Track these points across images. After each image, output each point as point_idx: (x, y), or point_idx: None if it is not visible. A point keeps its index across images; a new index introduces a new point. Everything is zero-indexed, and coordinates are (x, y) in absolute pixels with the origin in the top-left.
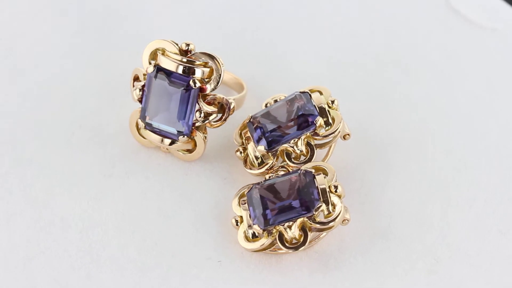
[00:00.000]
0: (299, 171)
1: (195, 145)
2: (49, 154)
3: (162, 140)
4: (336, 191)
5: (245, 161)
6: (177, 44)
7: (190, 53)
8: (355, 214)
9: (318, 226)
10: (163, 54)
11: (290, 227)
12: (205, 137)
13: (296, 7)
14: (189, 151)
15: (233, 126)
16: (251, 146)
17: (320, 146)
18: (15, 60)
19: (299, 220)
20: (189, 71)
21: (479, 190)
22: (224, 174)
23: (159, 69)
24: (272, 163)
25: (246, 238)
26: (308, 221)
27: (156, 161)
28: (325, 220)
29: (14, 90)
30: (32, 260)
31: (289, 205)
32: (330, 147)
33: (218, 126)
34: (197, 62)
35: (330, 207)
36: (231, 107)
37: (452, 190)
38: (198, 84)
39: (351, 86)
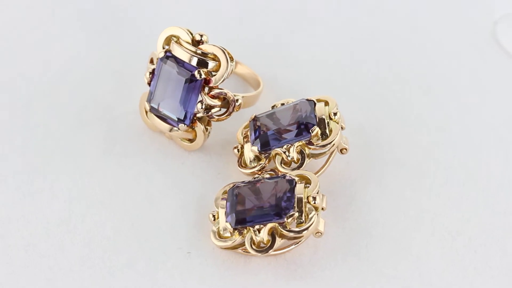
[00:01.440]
0: (282, 177)
1: (196, 135)
2: (56, 126)
3: (163, 126)
4: (314, 203)
5: (239, 159)
6: (191, 34)
7: (202, 43)
8: (335, 229)
9: (289, 234)
10: (176, 41)
11: (259, 230)
12: (206, 129)
13: (331, 15)
14: (190, 140)
15: (242, 122)
16: (247, 146)
17: (316, 156)
18: (38, 39)
19: (270, 225)
20: (197, 62)
21: (468, 228)
22: (219, 169)
23: (169, 55)
24: (264, 164)
25: (219, 234)
26: (280, 227)
27: (156, 146)
28: (296, 229)
29: (37, 64)
30: (11, 221)
31: (263, 208)
32: (328, 159)
33: (221, 120)
34: (208, 54)
35: (304, 217)
36: (237, 103)
37: (438, 222)
38: (203, 76)
39: (367, 99)
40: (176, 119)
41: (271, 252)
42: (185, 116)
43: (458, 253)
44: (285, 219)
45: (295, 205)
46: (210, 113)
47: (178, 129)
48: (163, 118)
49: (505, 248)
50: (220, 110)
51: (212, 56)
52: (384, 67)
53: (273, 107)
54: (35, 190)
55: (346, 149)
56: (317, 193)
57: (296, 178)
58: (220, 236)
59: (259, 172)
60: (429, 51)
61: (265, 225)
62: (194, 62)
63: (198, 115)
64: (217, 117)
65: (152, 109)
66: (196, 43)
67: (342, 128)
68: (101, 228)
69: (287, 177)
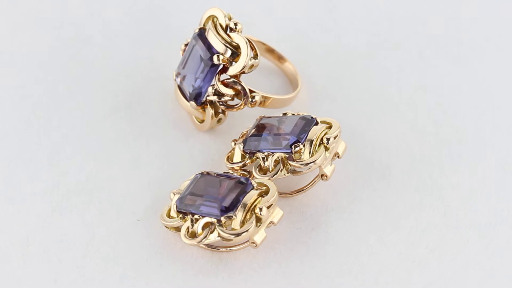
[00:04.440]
0: (244, 179)
1: (205, 117)
2: (84, 109)
3: (181, 99)
4: (260, 214)
5: (229, 153)
6: (229, 19)
7: (233, 31)
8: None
9: (222, 233)
10: (213, 23)
11: (196, 220)
12: (216, 114)
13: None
14: (202, 121)
15: None
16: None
17: (294, 172)
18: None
19: (206, 219)
20: (220, 48)
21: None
22: (215, 156)
23: (202, 34)
24: (246, 163)
25: (168, 212)
26: (217, 224)
27: (172, 116)
28: (228, 232)
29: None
30: (14, 198)
31: (209, 201)
32: (312, 181)
33: (232, 111)
34: (233, 44)
35: (240, 223)
36: (253, 100)
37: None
38: (221, 62)
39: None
40: (189, 96)
41: (201, 244)
42: (198, 96)
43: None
44: (222, 219)
45: (238, 209)
46: (221, 100)
47: (189, 103)
48: (183, 93)
49: None
50: (233, 100)
51: (237, 46)
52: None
53: (284, 114)
54: (45, 166)
55: (326, 176)
56: (270, 206)
57: (255, 185)
58: (168, 215)
59: (238, 169)
60: None
61: (203, 217)
62: (217, 46)
63: (208, 98)
64: (227, 106)
65: (177, 80)
66: (229, 29)
67: (338, 156)
68: (87, 206)
69: (248, 182)
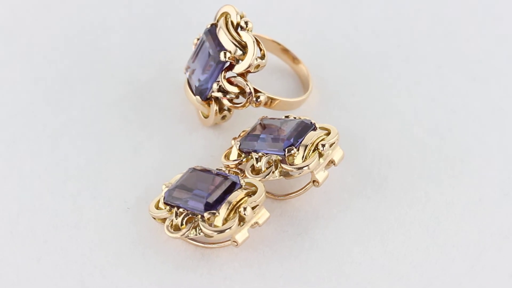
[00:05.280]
0: (233, 177)
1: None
2: (94, 94)
3: (188, 93)
4: (244, 213)
5: (227, 151)
6: (242, 17)
7: (243, 30)
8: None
9: (203, 229)
10: (225, 19)
11: (179, 214)
12: (220, 110)
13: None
14: (206, 116)
15: None
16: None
17: (286, 175)
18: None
19: (190, 213)
20: (227, 45)
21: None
22: (216, 153)
23: (213, 30)
24: (241, 162)
25: (157, 203)
26: (200, 220)
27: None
28: (210, 228)
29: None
30: (12, 174)
31: (196, 196)
32: (305, 186)
33: (236, 109)
34: (241, 42)
35: (223, 221)
36: (257, 99)
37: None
38: (227, 59)
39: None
40: (195, 90)
41: (183, 236)
42: (203, 91)
43: None
44: (205, 214)
45: (222, 206)
46: (226, 97)
47: (194, 98)
48: (191, 87)
49: None
50: (238, 98)
51: (245, 45)
52: None
53: (286, 117)
54: (47, 150)
55: (318, 182)
56: (255, 206)
57: (243, 184)
58: (157, 206)
59: (233, 167)
60: None
61: (187, 212)
62: (226, 43)
63: (213, 94)
64: (231, 104)
65: (186, 74)
66: (239, 27)
67: (334, 164)
68: (81, 188)
69: (237, 180)
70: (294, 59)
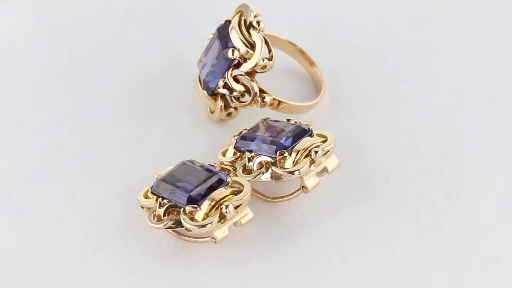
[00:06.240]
0: (222, 174)
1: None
2: (107, 81)
3: (198, 87)
4: (225, 211)
5: (225, 148)
6: (255, 17)
7: (254, 29)
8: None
9: (184, 222)
10: (239, 17)
11: (163, 205)
12: (226, 106)
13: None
14: (213, 112)
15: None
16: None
17: (276, 178)
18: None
19: (172, 205)
20: (236, 43)
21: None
22: (217, 149)
23: (226, 26)
24: (236, 160)
25: (146, 192)
26: (182, 213)
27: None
28: (189, 222)
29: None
30: (12, 152)
31: (179, 188)
32: (295, 193)
33: (241, 107)
34: (251, 42)
35: (204, 216)
36: (263, 100)
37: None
38: (235, 56)
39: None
40: (203, 84)
41: (165, 227)
42: (210, 86)
43: None
44: (187, 208)
45: (205, 202)
46: (231, 94)
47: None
48: (201, 81)
49: None
50: (243, 96)
51: (253, 44)
52: None
53: (287, 120)
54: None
55: (306, 188)
56: (238, 205)
57: (230, 182)
58: (146, 195)
59: (228, 164)
60: None
61: (170, 203)
62: (235, 41)
63: (219, 91)
64: (236, 101)
65: (198, 68)
66: (251, 26)
67: (327, 171)
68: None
69: (225, 178)
70: (310, 62)
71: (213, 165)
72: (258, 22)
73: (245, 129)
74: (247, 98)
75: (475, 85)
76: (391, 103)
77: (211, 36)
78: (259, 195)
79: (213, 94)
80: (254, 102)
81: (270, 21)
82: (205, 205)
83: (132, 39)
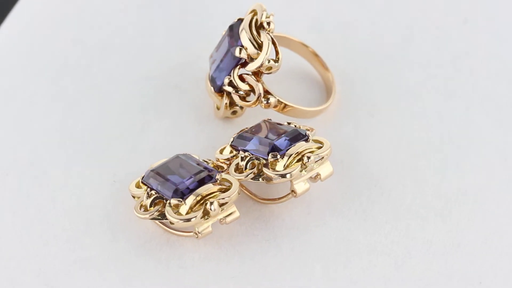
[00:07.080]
0: (214, 172)
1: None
2: (119, 72)
3: (207, 82)
4: (210, 208)
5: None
6: (267, 17)
7: (264, 30)
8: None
9: (167, 214)
10: (252, 16)
11: (150, 196)
12: (231, 104)
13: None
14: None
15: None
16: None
17: (267, 180)
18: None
19: (159, 197)
20: (244, 42)
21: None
22: (218, 145)
23: (236, 24)
24: (230, 158)
25: (138, 182)
26: (167, 205)
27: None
28: (174, 216)
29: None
30: (19, 129)
31: (169, 181)
32: (285, 196)
33: (246, 106)
34: (258, 42)
35: (185, 210)
36: (267, 101)
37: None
38: (242, 55)
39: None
40: (210, 80)
41: (150, 217)
42: (216, 82)
43: None
44: (172, 201)
45: (190, 197)
46: (236, 92)
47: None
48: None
49: None
50: (249, 95)
51: (261, 44)
52: None
53: (288, 123)
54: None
55: (295, 193)
56: (224, 203)
57: (219, 179)
58: (138, 185)
59: (222, 162)
60: None
61: (157, 195)
62: (243, 40)
63: (224, 88)
64: (240, 100)
65: (209, 63)
66: (261, 26)
67: (320, 177)
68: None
69: (214, 174)
70: (323, 65)
71: (206, 161)
72: (268, 23)
73: (246, 128)
74: (252, 97)
75: (488, 108)
76: (399, 119)
77: (224, 32)
78: (251, 195)
79: (220, 90)
80: (259, 103)
81: (288, 24)
82: (190, 199)
83: (156, 30)
